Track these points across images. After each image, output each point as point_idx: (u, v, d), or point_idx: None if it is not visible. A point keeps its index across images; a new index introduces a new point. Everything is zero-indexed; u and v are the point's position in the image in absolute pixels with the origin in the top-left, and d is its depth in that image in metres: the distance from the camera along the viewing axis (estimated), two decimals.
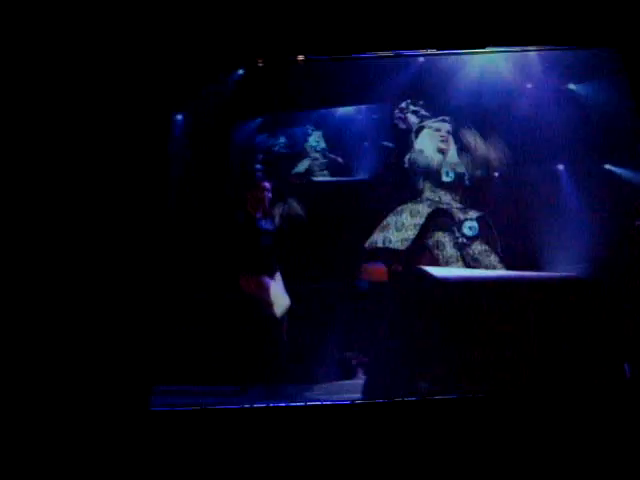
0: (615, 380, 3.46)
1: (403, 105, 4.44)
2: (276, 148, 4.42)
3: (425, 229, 4.11)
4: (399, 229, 4.05)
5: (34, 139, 3.80)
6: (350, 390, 3.55)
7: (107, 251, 3.59)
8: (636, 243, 3.80)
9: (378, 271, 3.97)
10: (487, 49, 4.33)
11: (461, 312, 3.64)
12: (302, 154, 4.44)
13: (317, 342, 3.70)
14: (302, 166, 4.43)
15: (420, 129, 4.41)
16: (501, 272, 3.93)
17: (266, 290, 3.84)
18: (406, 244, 4.03)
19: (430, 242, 4.11)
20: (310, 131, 4.50)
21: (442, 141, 4.35)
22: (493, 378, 3.48)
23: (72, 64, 3.94)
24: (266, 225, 4.00)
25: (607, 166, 4.13)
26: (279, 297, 3.83)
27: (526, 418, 3.24)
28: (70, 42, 3.96)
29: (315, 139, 4.49)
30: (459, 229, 4.10)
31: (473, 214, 4.13)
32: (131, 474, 3.11)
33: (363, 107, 4.48)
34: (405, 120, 4.42)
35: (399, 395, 3.42)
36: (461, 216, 4.14)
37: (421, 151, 4.37)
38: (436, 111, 4.41)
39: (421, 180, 4.29)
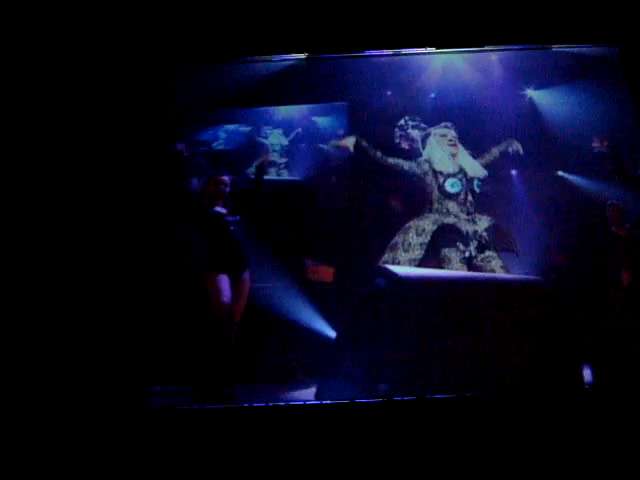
0: (572, 383, 3.45)
1: (402, 122, 4.46)
2: (214, 144, 4.39)
3: (431, 247, 4.11)
4: (406, 249, 4.06)
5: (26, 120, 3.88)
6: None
7: (104, 251, 3.63)
8: (607, 249, 3.85)
9: (324, 271, 3.94)
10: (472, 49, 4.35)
11: (422, 311, 3.63)
12: (258, 152, 4.38)
13: (263, 343, 3.72)
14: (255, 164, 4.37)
15: (426, 137, 4.41)
16: (465, 273, 3.95)
17: (223, 291, 3.70)
18: (414, 265, 4.04)
19: (440, 255, 4.11)
20: (268, 130, 4.48)
21: (451, 145, 4.34)
22: (453, 377, 3.48)
23: (67, 52, 4.02)
24: (230, 218, 3.84)
25: (560, 173, 4.15)
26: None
27: (525, 418, 3.23)
28: (66, 31, 4.05)
29: (275, 137, 4.47)
30: (466, 244, 4.07)
31: (483, 224, 4.11)
32: (130, 473, 3.12)
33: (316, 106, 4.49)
34: (407, 137, 4.43)
35: (357, 397, 3.39)
36: (469, 228, 4.12)
37: (431, 159, 4.38)
38: (433, 119, 4.42)
39: (427, 190, 4.29)
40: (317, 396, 3.50)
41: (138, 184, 3.84)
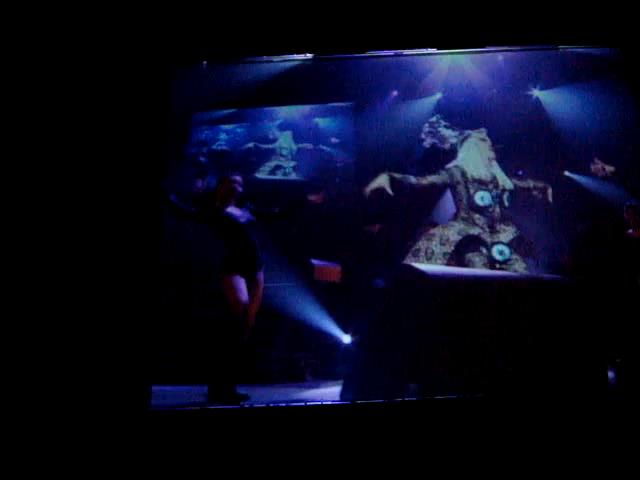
0: (597, 383, 3.44)
1: (433, 119, 4.30)
2: (215, 145, 4.33)
3: (454, 256, 4.05)
4: (429, 257, 4.00)
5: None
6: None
7: (106, 251, 3.59)
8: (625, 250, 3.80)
9: (332, 271, 3.90)
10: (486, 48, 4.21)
11: (449, 308, 3.58)
12: (269, 155, 4.38)
13: (272, 343, 3.72)
14: (269, 166, 4.37)
15: (464, 139, 4.29)
16: (489, 271, 3.94)
17: (240, 292, 3.63)
18: (447, 258, 4.00)
19: (465, 258, 4.07)
20: (276, 132, 4.43)
21: (491, 149, 4.22)
22: (480, 376, 3.46)
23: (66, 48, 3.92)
24: (243, 218, 3.73)
25: (566, 173, 4.11)
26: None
27: (525, 418, 3.22)
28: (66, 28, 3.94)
29: (286, 140, 4.42)
30: (489, 252, 4.02)
31: (507, 236, 4.05)
32: (131, 473, 3.10)
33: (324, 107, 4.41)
34: (437, 134, 4.28)
35: (388, 396, 3.38)
36: (492, 240, 4.06)
37: (465, 163, 4.26)
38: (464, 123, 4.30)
39: (457, 199, 4.20)
40: (342, 396, 3.46)
41: (139, 182, 3.76)
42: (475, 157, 4.23)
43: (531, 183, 4.13)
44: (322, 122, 4.42)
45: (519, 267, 3.97)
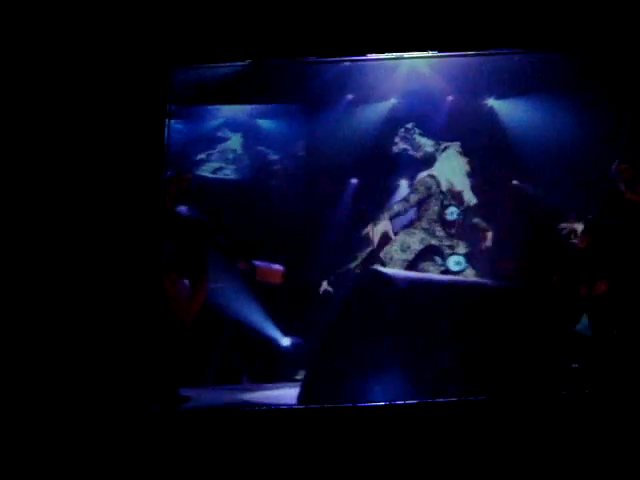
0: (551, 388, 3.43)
1: (409, 126, 4.29)
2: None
3: (416, 259, 4.10)
4: (387, 263, 3.99)
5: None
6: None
7: (105, 250, 3.45)
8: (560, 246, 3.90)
9: (274, 273, 3.88)
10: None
11: (411, 311, 3.54)
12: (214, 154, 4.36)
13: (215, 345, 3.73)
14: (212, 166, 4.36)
15: (445, 149, 4.31)
16: (448, 277, 3.99)
17: (181, 290, 3.62)
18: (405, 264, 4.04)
19: (419, 266, 4.12)
20: (228, 133, 4.41)
21: (468, 163, 4.25)
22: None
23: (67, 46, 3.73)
24: (190, 218, 3.70)
25: (514, 182, 4.17)
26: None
27: (525, 420, 3.14)
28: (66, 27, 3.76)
29: (236, 141, 4.41)
30: (444, 261, 4.08)
31: (462, 249, 4.12)
32: (134, 474, 3.04)
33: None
34: (411, 141, 4.27)
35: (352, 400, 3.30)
36: (449, 252, 4.11)
37: (440, 174, 4.28)
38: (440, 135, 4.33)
39: (423, 208, 4.23)
40: (300, 400, 3.38)
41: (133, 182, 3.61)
42: (452, 170, 4.27)
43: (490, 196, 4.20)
44: (266, 123, 4.42)
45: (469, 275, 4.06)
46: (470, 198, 4.21)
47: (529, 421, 3.12)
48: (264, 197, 4.22)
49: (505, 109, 4.28)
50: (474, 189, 4.21)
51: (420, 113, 4.28)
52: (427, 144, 4.29)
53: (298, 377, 3.67)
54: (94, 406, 3.15)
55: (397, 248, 4.04)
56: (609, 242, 3.71)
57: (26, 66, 3.71)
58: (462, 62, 4.10)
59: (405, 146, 4.31)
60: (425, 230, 4.17)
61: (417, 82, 4.17)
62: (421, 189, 4.23)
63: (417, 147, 4.30)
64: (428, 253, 4.11)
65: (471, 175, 4.22)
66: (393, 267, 4.00)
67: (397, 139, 4.31)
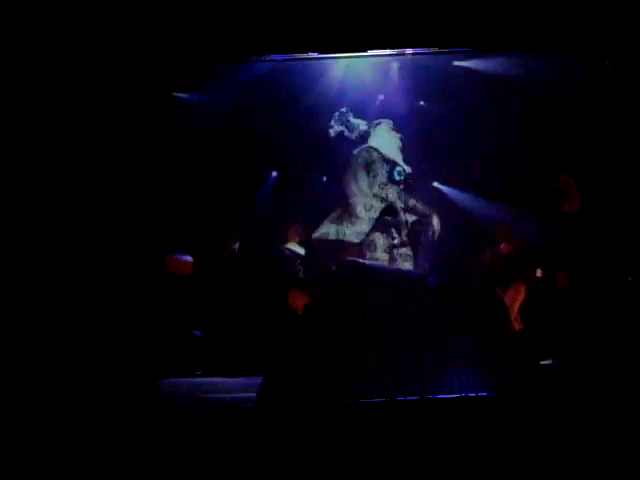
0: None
1: (343, 110, 4.69)
2: None
3: (376, 224, 4.39)
4: (354, 223, 4.24)
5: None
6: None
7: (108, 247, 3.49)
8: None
9: (183, 264, 3.94)
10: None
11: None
12: None
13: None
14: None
15: (378, 125, 4.70)
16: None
17: None
18: (361, 237, 4.26)
19: (366, 241, 4.35)
20: None
21: (400, 139, 4.66)
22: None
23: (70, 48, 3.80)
24: None
25: (435, 184, 4.61)
26: None
27: (526, 419, 3.17)
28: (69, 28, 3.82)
29: None
30: (398, 232, 4.42)
31: (410, 217, 4.53)
32: (140, 471, 3.01)
33: None
34: (347, 122, 4.67)
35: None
36: (404, 216, 4.49)
37: (379, 147, 4.66)
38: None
39: (371, 175, 4.55)
40: (260, 394, 3.36)
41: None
42: (387, 141, 4.71)
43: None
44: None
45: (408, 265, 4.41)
46: (405, 168, 4.71)
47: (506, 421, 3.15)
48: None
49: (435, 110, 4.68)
50: (406, 162, 4.71)
51: (352, 103, 4.69)
52: (361, 124, 4.74)
53: (198, 372, 3.71)
54: (104, 403, 3.13)
55: (361, 208, 4.34)
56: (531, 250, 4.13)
57: (26, 66, 3.68)
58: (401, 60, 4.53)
59: (341, 128, 4.71)
60: (376, 196, 4.55)
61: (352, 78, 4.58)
62: (363, 157, 4.62)
63: (352, 128, 4.73)
64: (389, 215, 4.46)
65: (402, 150, 4.73)
66: (360, 226, 4.31)
67: (332, 122, 4.69)
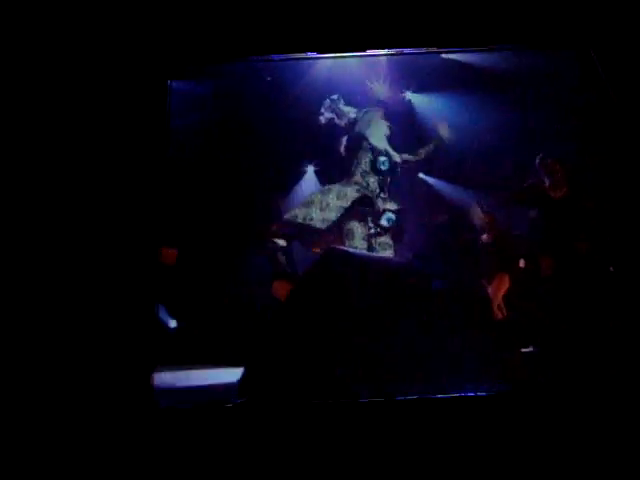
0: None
1: (335, 97, 4.64)
2: None
3: (347, 213, 4.28)
4: (323, 209, 4.20)
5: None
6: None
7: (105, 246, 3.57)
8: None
9: (167, 254, 3.87)
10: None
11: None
12: None
13: None
14: None
15: (365, 113, 4.61)
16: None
17: None
18: (327, 224, 4.18)
19: (344, 229, 4.26)
20: None
21: (388, 127, 4.56)
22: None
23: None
24: None
25: (421, 175, 4.46)
26: None
27: (527, 418, 3.17)
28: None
29: None
30: (377, 219, 4.31)
31: (393, 206, 4.40)
32: (138, 472, 3.03)
33: None
34: (336, 110, 4.61)
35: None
36: (382, 206, 4.38)
37: (365, 135, 4.56)
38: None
39: (355, 163, 4.47)
40: (241, 389, 3.33)
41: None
42: (374, 128, 4.59)
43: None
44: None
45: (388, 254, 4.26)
46: (395, 158, 4.54)
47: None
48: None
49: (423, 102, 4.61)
50: (395, 149, 4.58)
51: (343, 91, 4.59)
52: (351, 111, 4.68)
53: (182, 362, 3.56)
54: (102, 403, 3.13)
55: (333, 196, 4.27)
56: (515, 238, 4.03)
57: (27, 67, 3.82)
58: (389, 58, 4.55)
59: (331, 115, 4.65)
60: (357, 184, 4.42)
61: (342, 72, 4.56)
62: (348, 144, 4.53)
63: (342, 115, 4.67)
64: (363, 205, 4.34)
65: (391, 139, 4.61)
66: (328, 213, 4.17)
67: (323, 109, 4.64)
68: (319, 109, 4.59)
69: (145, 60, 4.11)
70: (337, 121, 4.67)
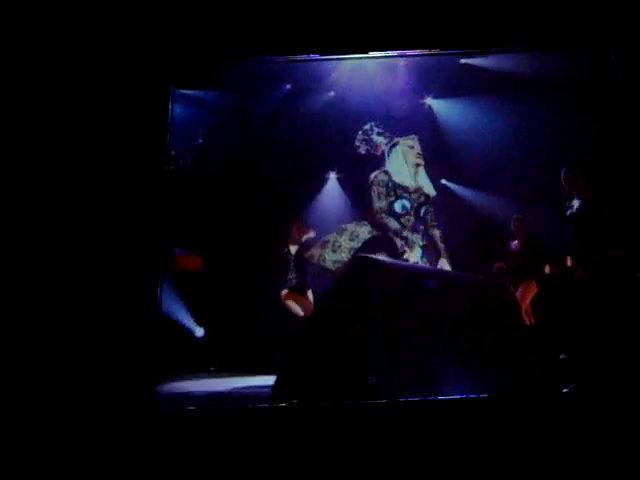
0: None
1: (367, 127, 4.43)
2: None
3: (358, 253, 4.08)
4: (335, 250, 4.06)
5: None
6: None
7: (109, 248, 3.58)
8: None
9: (192, 261, 3.88)
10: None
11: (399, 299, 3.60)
12: None
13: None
14: None
15: (393, 146, 4.37)
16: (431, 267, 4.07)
17: None
18: (337, 266, 4.04)
19: None
20: None
21: (418, 156, 4.29)
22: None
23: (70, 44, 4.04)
24: None
25: (443, 181, 4.19)
26: None
27: (528, 419, 3.16)
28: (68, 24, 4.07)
29: None
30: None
31: (418, 240, 4.13)
32: (138, 474, 3.06)
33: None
34: (370, 142, 4.41)
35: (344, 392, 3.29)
36: (401, 248, 4.12)
37: (395, 169, 4.34)
38: (397, 131, 4.37)
39: (374, 200, 4.26)
40: (276, 393, 3.34)
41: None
42: (400, 164, 4.31)
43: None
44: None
45: None
46: (429, 190, 4.22)
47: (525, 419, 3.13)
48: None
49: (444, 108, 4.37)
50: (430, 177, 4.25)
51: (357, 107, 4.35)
52: (383, 142, 4.41)
53: (212, 368, 3.66)
54: (103, 405, 3.16)
55: (346, 237, 4.14)
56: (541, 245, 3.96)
57: (27, 67, 3.89)
58: (408, 61, 4.31)
59: (367, 147, 4.44)
60: (374, 223, 4.19)
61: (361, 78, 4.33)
62: (377, 186, 4.30)
63: (375, 147, 4.43)
64: (377, 245, 4.12)
65: (417, 174, 4.29)
66: (339, 254, 3.99)
67: (357, 142, 4.45)
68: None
69: (151, 66, 4.07)
70: (373, 152, 4.46)
